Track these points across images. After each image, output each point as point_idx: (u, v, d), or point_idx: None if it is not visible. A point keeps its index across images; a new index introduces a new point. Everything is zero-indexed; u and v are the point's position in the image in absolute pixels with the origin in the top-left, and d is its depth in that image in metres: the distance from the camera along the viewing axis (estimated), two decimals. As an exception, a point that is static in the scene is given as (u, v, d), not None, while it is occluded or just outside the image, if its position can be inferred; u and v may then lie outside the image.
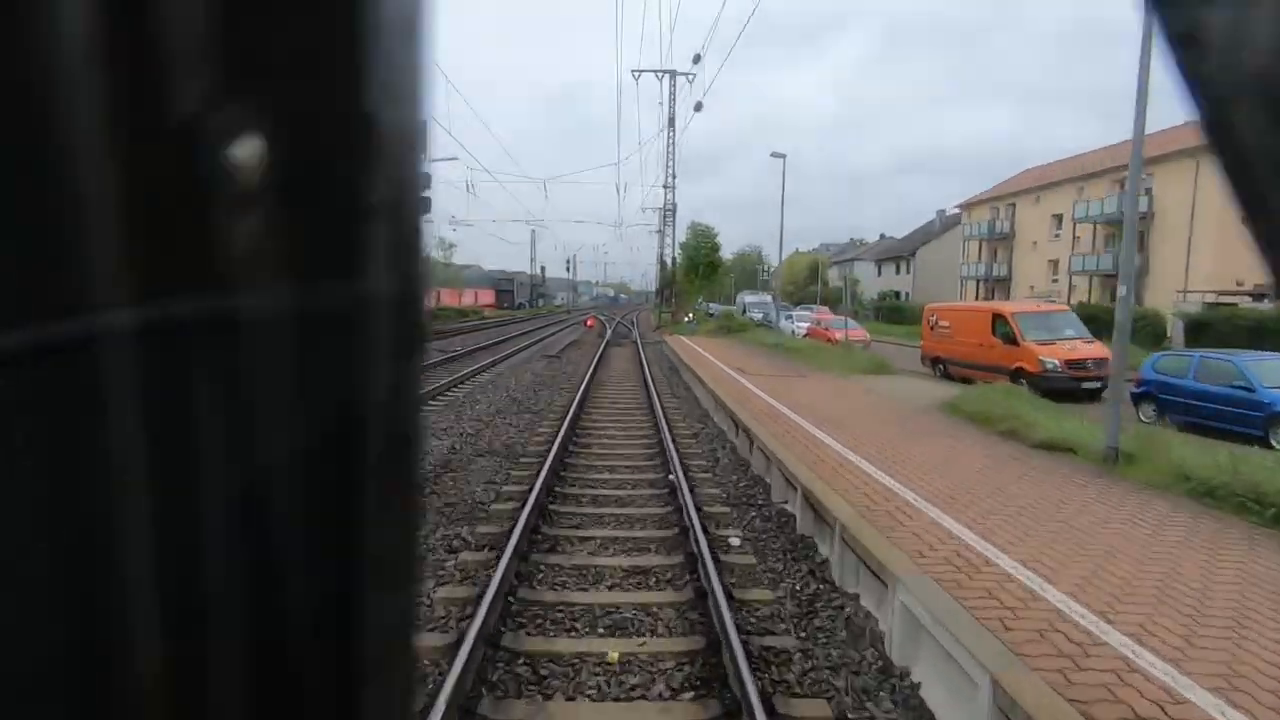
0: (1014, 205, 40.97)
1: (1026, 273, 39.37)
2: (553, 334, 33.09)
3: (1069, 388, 14.00)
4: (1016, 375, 14.94)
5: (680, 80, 38.04)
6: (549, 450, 7.95)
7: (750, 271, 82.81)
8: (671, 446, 8.12)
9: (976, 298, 43.90)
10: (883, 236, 76.13)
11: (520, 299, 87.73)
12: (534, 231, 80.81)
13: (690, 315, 27.51)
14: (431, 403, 11.77)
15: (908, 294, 56.26)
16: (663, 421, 9.66)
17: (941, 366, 18.12)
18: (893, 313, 43.61)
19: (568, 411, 10.42)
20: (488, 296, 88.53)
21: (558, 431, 9.02)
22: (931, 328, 18.70)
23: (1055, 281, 37.27)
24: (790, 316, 32.88)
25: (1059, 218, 36.97)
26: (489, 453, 8.18)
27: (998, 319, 15.93)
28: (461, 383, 14.25)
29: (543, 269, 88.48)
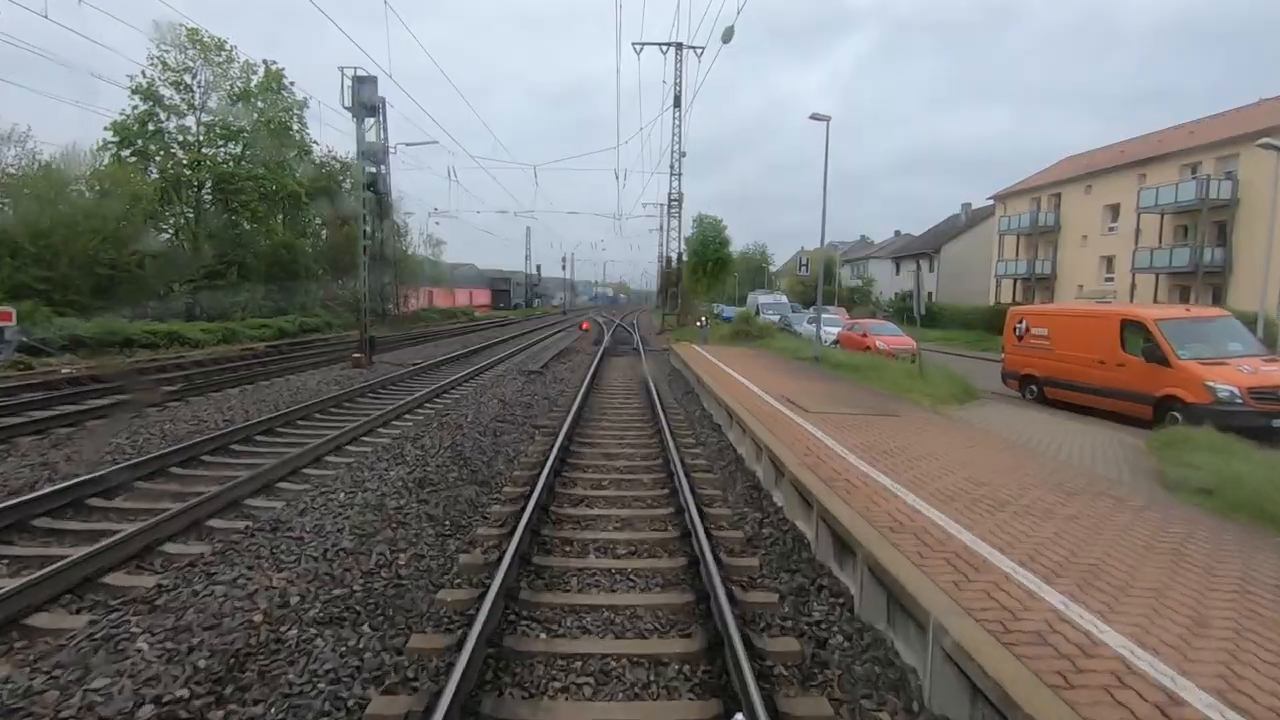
0: (1059, 195, 36.82)
1: (1074, 270, 35.24)
2: (542, 339, 28.99)
3: (1255, 426, 9.89)
4: (1164, 406, 10.86)
5: (688, 55, 33.98)
6: (482, 600, 3.90)
7: (755, 270, 78.57)
8: (720, 589, 4.04)
9: (1014, 298, 39.77)
10: (898, 233, 72.01)
11: (517, 299, 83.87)
12: (529, 228, 76.79)
13: (704, 320, 23.33)
14: (329, 462, 7.64)
15: (932, 294, 52.06)
16: (692, 511, 5.55)
17: (1035, 388, 14.03)
18: (929, 314, 39.35)
19: (535, 483, 6.32)
20: (483, 296, 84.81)
21: (510, 534, 4.97)
22: (1019, 338, 14.59)
23: (1110, 280, 33.15)
24: (814, 320, 28.73)
25: (1114, 208, 32.85)
26: (351, 616, 4.06)
27: (1131, 328, 11.81)
28: (396, 419, 10.13)
29: (538, 268, 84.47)
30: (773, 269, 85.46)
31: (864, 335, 22.76)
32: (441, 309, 55.62)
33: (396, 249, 49.47)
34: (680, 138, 32.36)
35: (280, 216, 37.49)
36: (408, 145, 36.80)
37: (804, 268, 17.19)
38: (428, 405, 11.38)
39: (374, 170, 16.39)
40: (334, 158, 42.97)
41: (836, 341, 24.66)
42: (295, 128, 36.43)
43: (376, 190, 16.57)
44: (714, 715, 3.18)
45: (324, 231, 43.10)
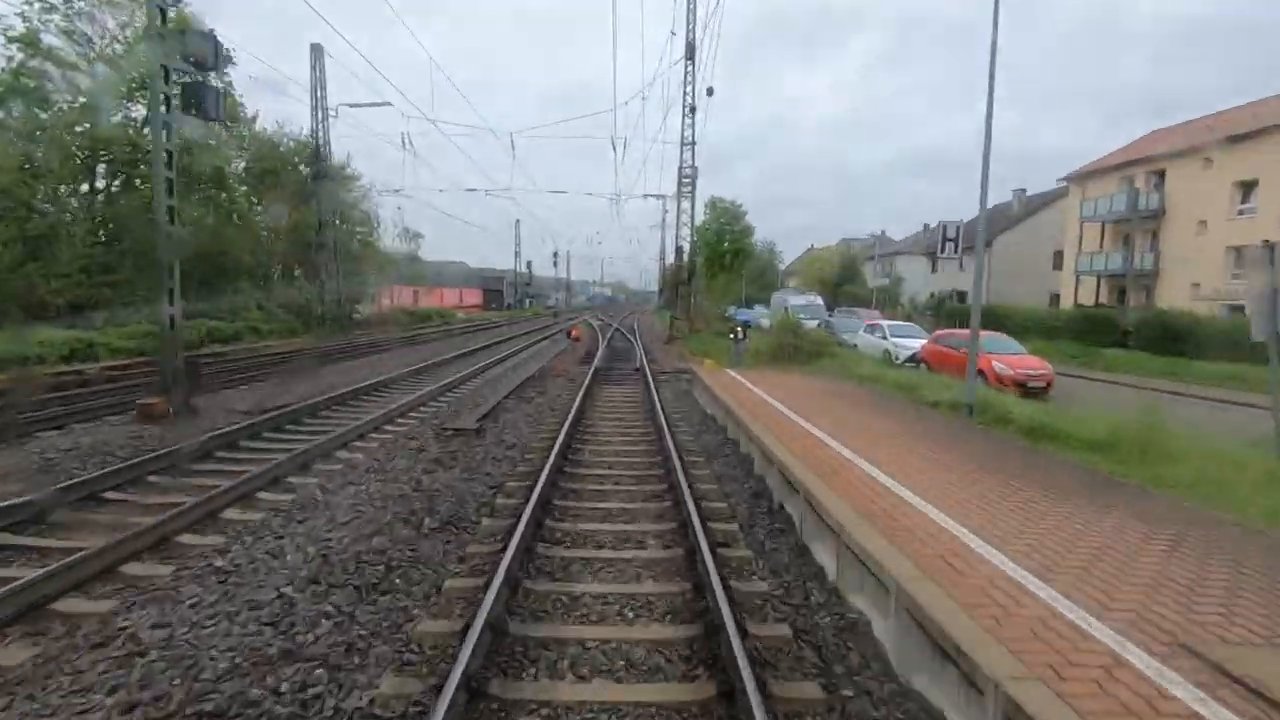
0: (1161, 172, 29.89)
1: (1185, 263, 28.26)
2: (519, 350, 22.03)
3: None
4: None
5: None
6: None
7: (764, 269, 71.54)
8: None
9: (1096, 299, 32.89)
10: (926, 227, 65.08)
11: (510, 299, 77.67)
12: (518, 220, 70.03)
13: (740, 330, 16.23)
14: None
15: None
16: None
17: None
18: (986, 318, 32.35)
19: None
20: (474, 296, 78.46)
21: None
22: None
23: (1240, 278, 26.20)
24: (876, 328, 21.78)
25: (1248, 185, 25.94)
26: None
27: None
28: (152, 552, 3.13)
29: (529, 265, 77.69)
30: (780, 267, 78.39)
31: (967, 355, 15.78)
32: (414, 310, 48.73)
33: (363, 239, 42.70)
34: (694, 95, 25.44)
35: (202, 197, 30.52)
36: (352, 107, 29.39)
37: (951, 243, 10.02)
38: (215, 532, 4.42)
39: (195, 76, 9.55)
40: (288, 136, 35.95)
41: (918, 359, 17.76)
42: (218, 86, 29.35)
43: (204, 110, 9.57)
44: None
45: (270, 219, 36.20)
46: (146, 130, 28.07)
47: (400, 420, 9.98)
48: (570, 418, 9.57)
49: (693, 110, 24.21)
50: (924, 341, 18.71)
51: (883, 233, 77.48)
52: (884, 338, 20.42)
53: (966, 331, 17.73)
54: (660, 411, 10.28)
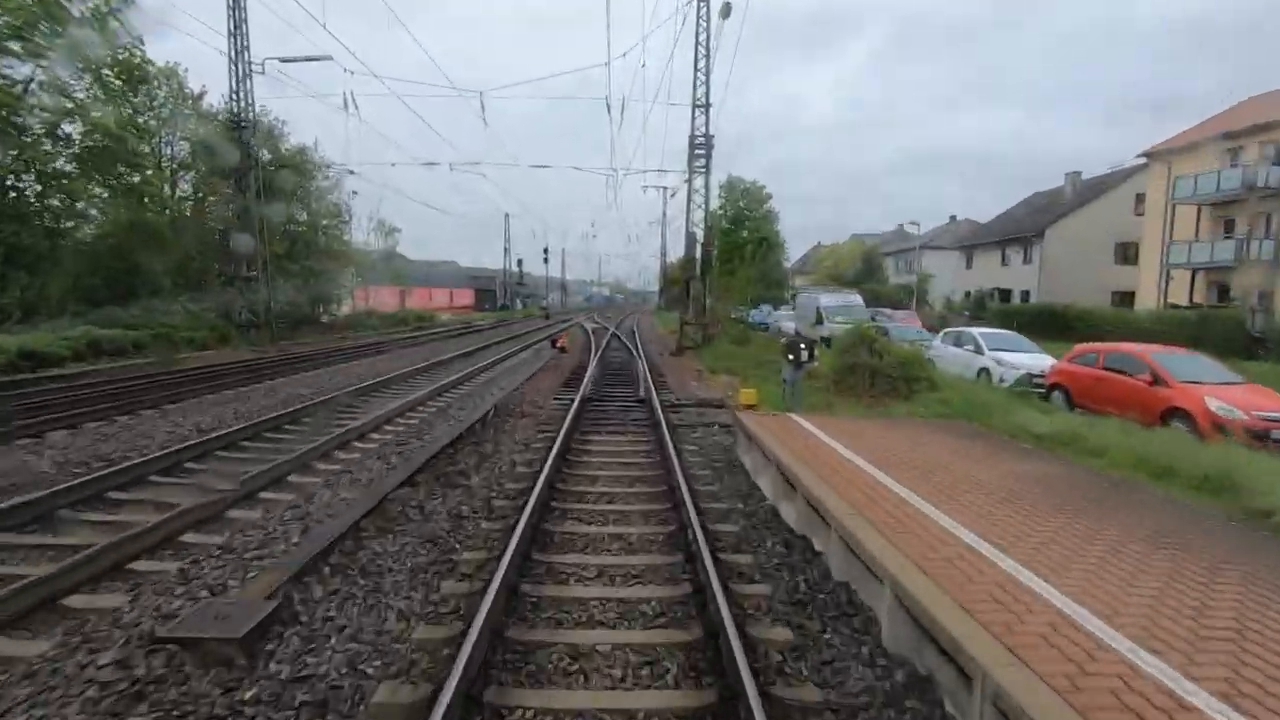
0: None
1: (1318, 254, 22.88)
2: (485, 366, 16.50)
3: None
4: None
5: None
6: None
7: (771, 266, 65.96)
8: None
9: (1190, 298, 27.46)
10: (954, 219, 59.80)
11: (503, 299, 73.38)
12: (507, 214, 64.68)
13: (805, 351, 10.51)
14: None
15: (1027, 292, 39.71)
16: None
17: None
18: (1049, 321, 26.91)
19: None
20: (465, 297, 74.25)
21: None
22: None
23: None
24: (962, 337, 16.33)
25: None
26: None
27: None
28: None
29: (520, 262, 72.45)
30: (786, 264, 72.92)
31: (1150, 382, 10.29)
32: (389, 313, 43.38)
33: (329, 231, 37.24)
34: (709, 41, 19.96)
35: (120, 181, 25.09)
36: (283, 61, 23.60)
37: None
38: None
39: None
40: (237, 117, 30.19)
41: (1043, 385, 12.33)
42: (122, 34, 23.78)
43: None
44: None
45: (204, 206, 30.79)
46: (33, 88, 22.71)
47: (107, 587, 4.55)
48: (510, 552, 4.17)
49: (725, 12, 18.68)
50: (1047, 360, 13.29)
51: (899, 227, 71.95)
52: (977, 351, 14.98)
53: (1132, 346, 12.23)
54: (696, 526, 4.85)
